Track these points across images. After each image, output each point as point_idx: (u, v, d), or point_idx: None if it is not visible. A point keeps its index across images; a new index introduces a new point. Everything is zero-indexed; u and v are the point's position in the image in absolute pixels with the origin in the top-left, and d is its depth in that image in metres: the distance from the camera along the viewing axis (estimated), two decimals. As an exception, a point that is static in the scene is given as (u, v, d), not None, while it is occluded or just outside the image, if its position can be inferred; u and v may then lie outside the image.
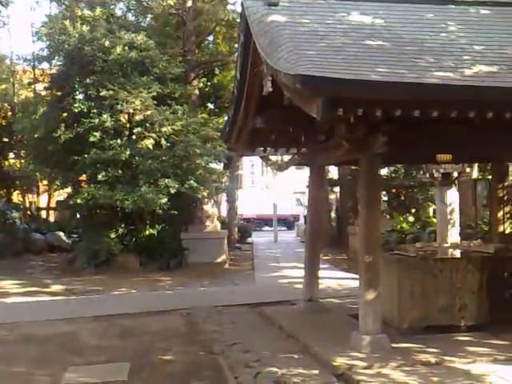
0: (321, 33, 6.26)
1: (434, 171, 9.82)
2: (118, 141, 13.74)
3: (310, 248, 8.72)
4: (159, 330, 8.00)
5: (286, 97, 5.93)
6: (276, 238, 24.77)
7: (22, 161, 24.06)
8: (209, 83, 21.39)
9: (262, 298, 10.06)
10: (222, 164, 17.52)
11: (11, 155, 25.10)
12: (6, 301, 10.71)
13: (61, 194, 19.59)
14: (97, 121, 13.48)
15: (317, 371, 5.67)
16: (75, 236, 18.00)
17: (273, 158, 9.26)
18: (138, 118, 13.74)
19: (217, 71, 21.39)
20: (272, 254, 18.47)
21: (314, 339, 6.65)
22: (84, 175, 15.23)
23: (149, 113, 13.54)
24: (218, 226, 16.56)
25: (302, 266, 9.05)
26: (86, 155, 13.61)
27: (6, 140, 23.98)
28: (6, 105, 24.05)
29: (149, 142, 13.61)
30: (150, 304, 9.82)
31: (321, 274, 8.87)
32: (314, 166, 8.62)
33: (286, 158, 9.13)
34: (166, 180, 13.48)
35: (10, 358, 6.69)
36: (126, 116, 14.51)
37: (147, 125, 13.83)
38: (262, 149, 8.77)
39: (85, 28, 14.25)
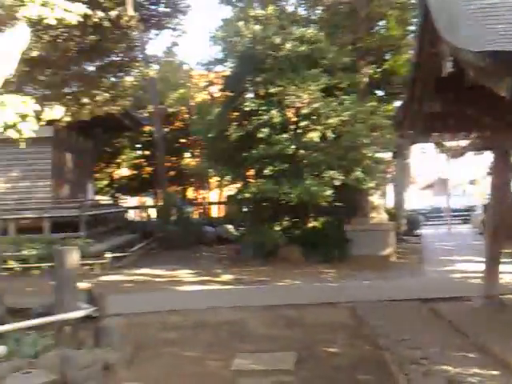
0: (510, 3, 5.64)
1: None
2: (285, 135, 13.92)
3: (491, 240, 7.97)
4: (324, 322, 7.90)
5: (469, 76, 5.43)
6: (449, 229, 23.27)
7: (197, 159, 25.87)
8: (378, 70, 20.78)
9: (432, 293, 9.40)
10: (391, 153, 16.85)
11: (187, 155, 27.18)
12: (181, 289, 11.47)
13: (230, 189, 20.57)
14: (265, 117, 13.79)
15: (496, 372, 5.16)
16: (242, 228, 18.76)
17: (447, 143, 8.64)
18: (305, 111, 13.82)
19: (387, 56, 20.70)
20: (443, 247, 17.32)
21: (491, 338, 6.08)
22: (252, 170, 15.75)
23: (316, 105, 13.56)
24: (385, 217, 15.98)
25: (478, 259, 8.28)
26: (253, 151, 14.01)
27: (183, 141, 26.01)
28: (183, 108, 26.06)
29: (315, 135, 13.62)
30: (314, 296, 9.79)
31: (502, 268, 8.06)
32: (499, 151, 7.84)
33: (462, 143, 8.44)
34: (331, 172, 13.36)
35: (185, 342, 7.08)
36: (293, 110, 14.63)
37: (314, 117, 13.83)
38: (436, 134, 8.23)
39: (257, 27, 14.60)
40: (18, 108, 7.52)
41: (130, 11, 10.38)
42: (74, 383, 5.07)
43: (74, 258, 6.38)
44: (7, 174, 16.68)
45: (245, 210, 16.71)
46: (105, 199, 25.01)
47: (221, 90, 17.67)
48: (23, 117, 7.55)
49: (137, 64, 13.06)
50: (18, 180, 17.18)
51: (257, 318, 8.31)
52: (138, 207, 28.85)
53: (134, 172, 27.44)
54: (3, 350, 5.31)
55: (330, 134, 13.75)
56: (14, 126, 7.52)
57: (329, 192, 13.12)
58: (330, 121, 13.51)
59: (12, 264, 13.65)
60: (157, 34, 21.12)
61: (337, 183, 13.32)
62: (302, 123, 14.03)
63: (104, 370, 5.57)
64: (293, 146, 13.59)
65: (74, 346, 5.90)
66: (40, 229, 15.81)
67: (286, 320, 8.12)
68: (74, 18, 7.58)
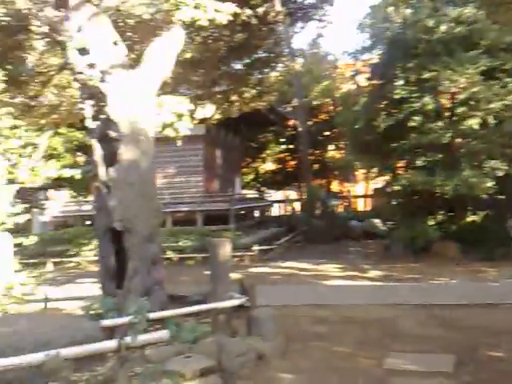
0: None
1: None
2: (439, 123, 13.20)
3: None
4: (484, 325, 7.30)
5: None
6: None
7: (341, 152, 25.62)
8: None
9: None
10: None
11: (331, 147, 27.04)
12: (327, 283, 11.37)
13: (377, 182, 20.05)
14: (417, 105, 13.21)
15: None
16: (391, 223, 18.16)
17: None
18: (462, 96, 12.99)
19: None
20: None
21: None
22: (401, 162, 15.19)
23: (475, 90, 12.65)
24: (556, 211, 14.39)
25: None
26: (404, 141, 13.49)
27: (327, 134, 25.90)
28: (327, 100, 25.92)
29: (474, 122, 12.76)
30: (472, 296, 9.11)
31: None
32: None
33: None
34: (493, 161, 12.46)
35: (334, 337, 6.98)
36: (448, 96, 13.84)
37: (472, 103, 12.95)
38: None
39: (408, 11, 14.05)
40: (174, 108, 8.00)
41: (278, 6, 10.50)
42: (229, 370, 5.22)
43: (227, 249, 6.60)
44: (164, 170, 17.94)
45: (394, 203, 16.15)
46: (251, 193, 25.87)
47: (368, 79, 17.22)
48: (179, 116, 8.01)
49: (282, 59, 13.22)
50: (173, 176, 18.48)
51: (409, 316, 7.95)
52: (283, 201, 29.41)
53: (279, 166, 28.03)
54: (166, 334, 5.63)
55: (491, 120, 12.77)
56: (171, 125, 8.01)
57: (490, 183, 12.24)
58: (492, 106, 12.54)
59: (169, 254, 14.66)
60: (302, 27, 21.10)
61: (499, 174, 12.35)
62: (459, 109, 13.17)
63: (258, 359, 5.68)
64: (448, 135, 12.85)
65: (228, 333, 6.11)
66: (193, 221, 16.80)
67: (440, 320, 7.67)
68: (224, 18, 7.82)
